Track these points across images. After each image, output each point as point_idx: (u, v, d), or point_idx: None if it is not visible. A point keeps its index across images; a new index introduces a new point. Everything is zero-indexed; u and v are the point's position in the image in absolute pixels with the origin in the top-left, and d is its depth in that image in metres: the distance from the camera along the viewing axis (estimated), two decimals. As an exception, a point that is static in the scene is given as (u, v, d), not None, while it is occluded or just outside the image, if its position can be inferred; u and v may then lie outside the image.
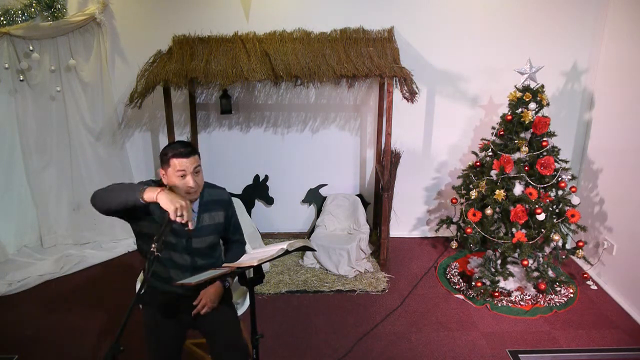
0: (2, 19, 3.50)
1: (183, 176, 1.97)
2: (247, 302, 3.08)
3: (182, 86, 3.26)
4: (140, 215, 1.98)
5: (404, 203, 4.20)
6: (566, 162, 3.21)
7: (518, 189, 3.19)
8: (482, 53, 3.80)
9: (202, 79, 3.21)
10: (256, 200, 4.25)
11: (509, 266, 3.35)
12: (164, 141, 4.01)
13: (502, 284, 3.30)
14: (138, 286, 2.72)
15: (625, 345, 2.86)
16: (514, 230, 3.14)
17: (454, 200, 3.65)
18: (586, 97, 3.85)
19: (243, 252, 2.30)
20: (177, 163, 1.96)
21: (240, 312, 2.44)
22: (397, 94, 3.42)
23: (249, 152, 4.13)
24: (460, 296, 3.38)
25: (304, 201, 4.26)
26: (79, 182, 4.04)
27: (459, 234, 3.59)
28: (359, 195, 4.20)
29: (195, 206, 2.12)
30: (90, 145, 3.98)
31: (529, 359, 2.76)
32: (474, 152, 3.61)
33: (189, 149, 1.99)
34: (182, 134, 4.02)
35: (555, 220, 3.14)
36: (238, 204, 3.94)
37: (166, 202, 1.74)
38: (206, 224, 2.12)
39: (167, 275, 2.12)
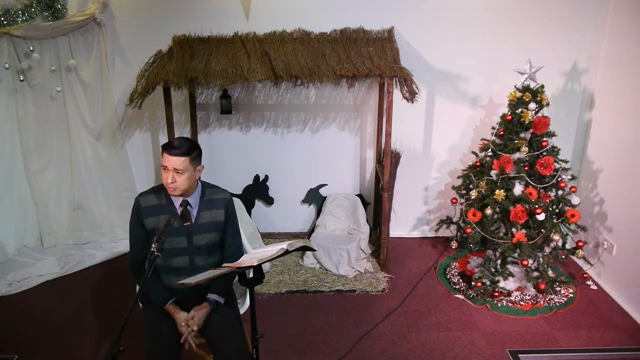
0: (2, 19, 3.50)
1: (165, 170, 2.02)
2: (247, 302, 3.09)
3: (182, 86, 3.26)
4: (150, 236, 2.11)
5: (404, 203, 4.20)
6: (566, 162, 3.21)
7: (518, 189, 3.19)
8: (482, 53, 3.80)
9: (202, 79, 3.21)
10: (256, 200, 4.25)
11: (509, 266, 3.34)
12: (164, 141, 3.98)
13: (502, 284, 3.30)
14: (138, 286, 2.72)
15: (625, 345, 2.86)
16: (514, 230, 3.14)
17: (454, 200, 3.65)
18: (586, 97, 3.85)
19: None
20: (164, 156, 2.02)
21: (240, 312, 2.44)
22: (397, 94, 3.42)
23: (249, 152, 4.13)
24: (460, 296, 3.38)
25: (304, 201, 4.26)
26: (79, 182, 4.04)
27: (459, 234, 3.59)
28: (359, 195, 4.20)
29: (196, 203, 2.14)
30: (90, 145, 3.98)
31: (529, 359, 2.76)
32: (474, 152, 3.61)
33: (180, 150, 2.01)
34: (182, 134, 4.02)
35: (555, 220, 3.14)
36: (238, 204, 3.94)
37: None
38: (206, 221, 2.14)
39: (168, 283, 2.15)
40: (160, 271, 2.17)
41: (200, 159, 2.12)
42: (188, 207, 2.12)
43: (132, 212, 2.14)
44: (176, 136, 3.73)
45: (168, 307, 2.12)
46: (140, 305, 2.24)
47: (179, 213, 2.12)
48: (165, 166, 2.01)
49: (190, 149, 2.04)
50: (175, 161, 2.00)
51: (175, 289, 2.16)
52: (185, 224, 2.11)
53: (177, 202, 2.12)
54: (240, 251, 2.27)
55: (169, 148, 2.01)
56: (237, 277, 1.95)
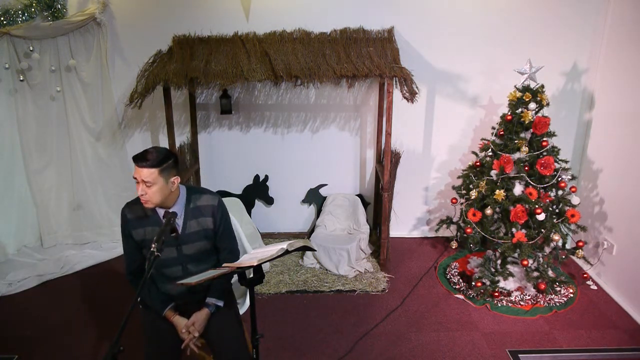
0: (2, 19, 3.51)
1: (136, 181, 1.92)
2: (247, 302, 3.09)
3: (182, 86, 3.26)
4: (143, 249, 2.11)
5: (404, 203, 4.20)
6: (566, 162, 3.21)
7: (518, 189, 3.19)
8: (482, 53, 3.80)
9: (202, 79, 3.21)
10: (256, 200, 4.24)
11: (509, 266, 3.34)
12: (163, 141, 4.01)
13: (502, 284, 3.30)
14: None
15: (625, 345, 2.86)
16: (514, 230, 3.14)
17: (454, 200, 3.65)
18: (586, 97, 3.85)
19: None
20: (134, 168, 1.92)
21: (240, 312, 2.44)
22: (397, 94, 3.42)
23: (249, 152, 4.13)
24: (460, 296, 3.38)
25: (304, 201, 4.26)
26: (79, 182, 4.04)
27: (459, 234, 3.59)
28: (359, 195, 4.20)
29: (180, 213, 2.06)
30: (90, 145, 3.98)
31: (529, 359, 2.76)
32: (474, 152, 3.61)
33: (148, 162, 1.88)
34: (182, 134, 4.02)
35: (555, 220, 3.14)
36: (238, 204, 3.94)
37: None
38: (194, 230, 2.08)
39: (165, 291, 2.14)
40: (156, 279, 2.14)
41: (174, 169, 1.98)
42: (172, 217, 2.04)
43: (120, 222, 2.08)
44: (175, 137, 3.73)
45: (166, 313, 2.11)
46: (140, 307, 2.23)
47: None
48: (136, 178, 1.91)
49: (162, 160, 1.91)
50: (144, 173, 1.88)
51: (173, 296, 2.14)
52: (172, 234, 2.04)
53: (162, 212, 2.04)
54: (236, 255, 2.22)
55: (137, 159, 1.89)
56: (237, 277, 1.94)
